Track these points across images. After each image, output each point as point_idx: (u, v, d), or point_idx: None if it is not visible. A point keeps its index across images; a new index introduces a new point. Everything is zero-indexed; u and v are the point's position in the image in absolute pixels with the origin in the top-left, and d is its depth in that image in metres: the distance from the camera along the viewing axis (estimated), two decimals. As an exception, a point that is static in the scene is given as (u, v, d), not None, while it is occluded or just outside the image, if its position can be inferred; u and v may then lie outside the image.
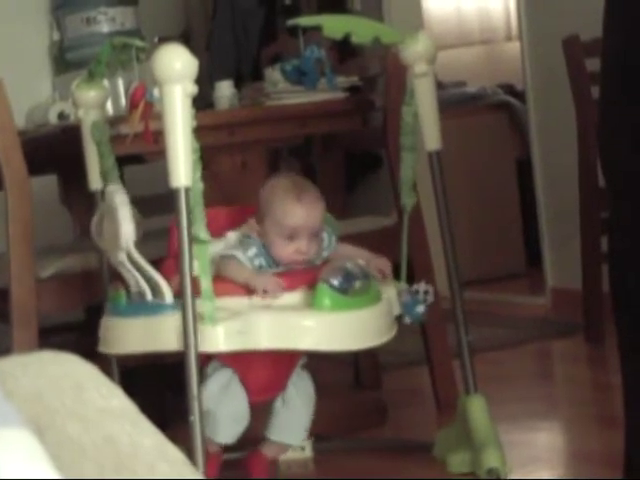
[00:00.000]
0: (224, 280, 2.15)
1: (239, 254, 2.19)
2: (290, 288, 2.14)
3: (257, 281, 2.12)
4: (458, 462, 2.43)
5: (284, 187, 2.22)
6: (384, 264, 2.30)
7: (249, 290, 2.11)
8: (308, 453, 2.61)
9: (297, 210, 2.18)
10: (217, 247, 2.19)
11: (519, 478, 2.37)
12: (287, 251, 2.19)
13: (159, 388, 3.20)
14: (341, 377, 3.33)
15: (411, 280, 2.45)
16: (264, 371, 2.28)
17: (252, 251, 2.20)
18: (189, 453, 2.02)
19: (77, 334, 3.55)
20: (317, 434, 2.46)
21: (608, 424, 2.66)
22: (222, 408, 2.22)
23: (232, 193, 2.72)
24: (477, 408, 2.43)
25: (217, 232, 2.19)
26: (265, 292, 2.10)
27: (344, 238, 2.36)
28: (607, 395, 2.98)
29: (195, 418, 2.04)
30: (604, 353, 3.46)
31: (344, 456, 2.67)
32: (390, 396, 3.07)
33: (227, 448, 2.31)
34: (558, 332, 3.83)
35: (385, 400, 2.97)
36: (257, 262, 2.20)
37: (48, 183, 3.62)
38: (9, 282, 2.62)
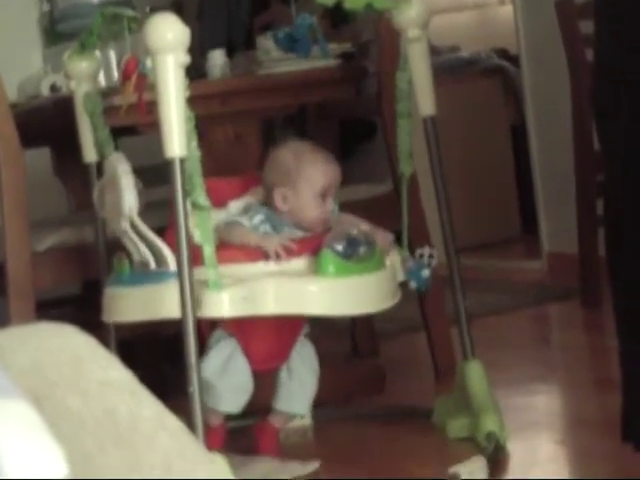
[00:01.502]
0: (229, 247, 2.15)
1: (244, 221, 2.20)
2: (296, 254, 2.15)
3: (268, 243, 2.13)
4: (457, 427, 2.44)
5: (308, 149, 2.29)
6: (385, 239, 2.30)
7: (263, 254, 2.13)
8: (307, 421, 2.62)
9: (329, 168, 2.26)
10: (219, 216, 2.20)
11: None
12: (319, 211, 2.24)
13: (157, 360, 3.20)
14: (338, 345, 3.33)
15: (407, 247, 2.45)
16: (268, 340, 2.29)
17: (258, 218, 2.21)
18: (189, 424, 2.03)
19: (74, 307, 3.54)
20: (316, 402, 2.46)
21: (605, 388, 2.66)
22: (225, 380, 2.23)
23: (225, 163, 2.71)
24: (475, 373, 2.44)
25: (219, 202, 2.20)
26: (277, 255, 2.11)
27: (340, 206, 2.36)
28: (604, 359, 2.98)
29: (194, 388, 2.04)
30: (601, 317, 3.46)
31: (343, 424, 2.68)
32: (388, 363, 3.07)
33: (234, 416, 2.32)
34: (554, 297, 3.84)
35: (383, 367, 2.97)
36: (262, 229, 2.21)
37: (41, 156, 3.60)
38: (5, 256, 2.62)
